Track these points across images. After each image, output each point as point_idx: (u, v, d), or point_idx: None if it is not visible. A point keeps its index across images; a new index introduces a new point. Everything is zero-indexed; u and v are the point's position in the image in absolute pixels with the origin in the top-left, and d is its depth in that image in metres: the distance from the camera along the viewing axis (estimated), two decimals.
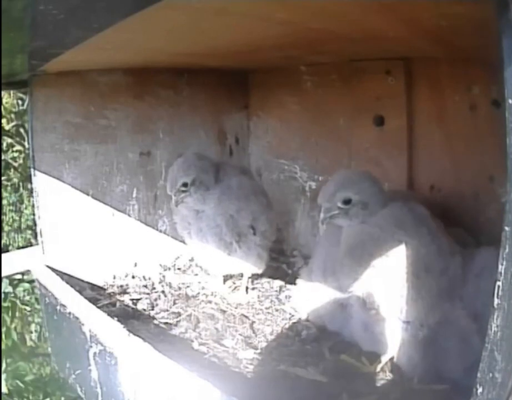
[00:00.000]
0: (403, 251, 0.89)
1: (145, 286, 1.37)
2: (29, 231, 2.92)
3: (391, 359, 0.98)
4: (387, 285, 0.91)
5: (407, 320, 0.92)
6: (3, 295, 2.19)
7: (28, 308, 2.22)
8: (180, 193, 1.20)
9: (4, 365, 1.71)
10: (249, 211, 1.24)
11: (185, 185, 1.20)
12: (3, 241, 2.81)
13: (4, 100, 2.76)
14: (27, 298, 2.24)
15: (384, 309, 0.95)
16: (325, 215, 0.97)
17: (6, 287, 2.22)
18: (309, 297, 1.16)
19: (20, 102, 2.84)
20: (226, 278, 1.39)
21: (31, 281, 2.24)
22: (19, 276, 2.26)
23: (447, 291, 0.90)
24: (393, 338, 0.97)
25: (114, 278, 1.39)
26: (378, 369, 0.96)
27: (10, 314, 2.15)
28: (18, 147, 2.90)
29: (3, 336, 1.99)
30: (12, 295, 2.21)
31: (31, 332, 2.21)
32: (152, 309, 1.25)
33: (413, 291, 0.89)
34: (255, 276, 1.38)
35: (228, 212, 1.22)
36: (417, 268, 0.89)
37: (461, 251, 0.94)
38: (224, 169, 1.29)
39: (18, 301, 2.20)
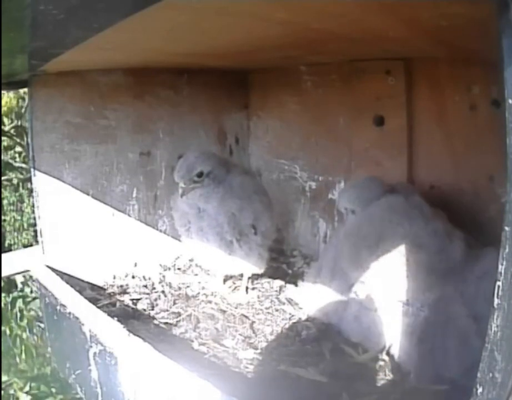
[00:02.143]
0: (397, 232, 0.94)
1: (145, 286, 1.37)
2: (31, 231, 2.91)
3: (390, 357, 0.98)
4: (384, 266, 0.94)
5: (407, 301, 0.94)
6: (18, 314, 2.19)
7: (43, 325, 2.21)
8: (191, 182, 1.17)
9: (27, 388, 1.69)
10: (250, 211, 1.22)
11: (200, 175, 1.17)
12: (5, 241, 2.80)
13: (4, 100, 2.76)
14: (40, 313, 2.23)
15: (382, 293, 0.97)
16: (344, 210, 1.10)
17: (19, 305, 2.22)
18: (312, 295, 1.17)
19: (20, 102, 2.84)
20: (226, 278, 1.39)
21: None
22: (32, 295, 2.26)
23: (444, 272, 0.92)
24: (393, 327, 0.97)
25: (114, 278, 1.39)
26: (370, 357, 0.97)
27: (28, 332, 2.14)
28: (18, 147, 2.90)
29: (23, 355, 1.99)
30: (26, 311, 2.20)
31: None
32: (152, 309, 1.25)
33: (409, 268, 0.92)
34: (255, 276, 1.37)
35: (230, 210, 1.21)
36: (411, 245, 0.92)
37: (465, 238, 0.96)
38: (227, 168, 1.28)
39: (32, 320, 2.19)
